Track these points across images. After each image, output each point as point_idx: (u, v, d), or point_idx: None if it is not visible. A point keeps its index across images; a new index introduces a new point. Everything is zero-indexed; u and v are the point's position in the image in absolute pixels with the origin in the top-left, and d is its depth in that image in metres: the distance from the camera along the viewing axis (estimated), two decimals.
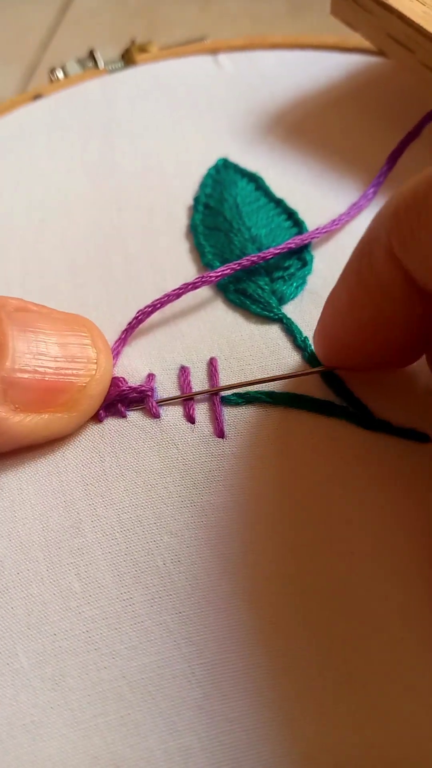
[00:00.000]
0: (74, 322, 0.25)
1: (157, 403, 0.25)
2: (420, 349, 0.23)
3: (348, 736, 0.19)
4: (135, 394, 0.25)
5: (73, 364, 0.23)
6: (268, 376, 0.25)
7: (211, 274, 0.26)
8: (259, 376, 0.26)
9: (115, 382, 0.25)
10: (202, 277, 0.26)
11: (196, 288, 0.27)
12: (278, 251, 0.27)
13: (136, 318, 0.26)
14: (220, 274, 0.26)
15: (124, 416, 0.25)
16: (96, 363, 0.24)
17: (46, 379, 0.23)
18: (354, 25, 0.32)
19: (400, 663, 0.20)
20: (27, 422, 0.23)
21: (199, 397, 0.25)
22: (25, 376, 0.22)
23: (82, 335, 0.24)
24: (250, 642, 0.21)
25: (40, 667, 0.21)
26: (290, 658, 0.21)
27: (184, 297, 0.28)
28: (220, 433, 0.24)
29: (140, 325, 0.27)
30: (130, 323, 0.26)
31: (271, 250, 0.27)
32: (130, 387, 0.25)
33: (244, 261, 0.27)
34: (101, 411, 0.25)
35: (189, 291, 0.26)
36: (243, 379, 0.26)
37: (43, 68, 0.73)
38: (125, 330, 0.26)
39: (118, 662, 0.21)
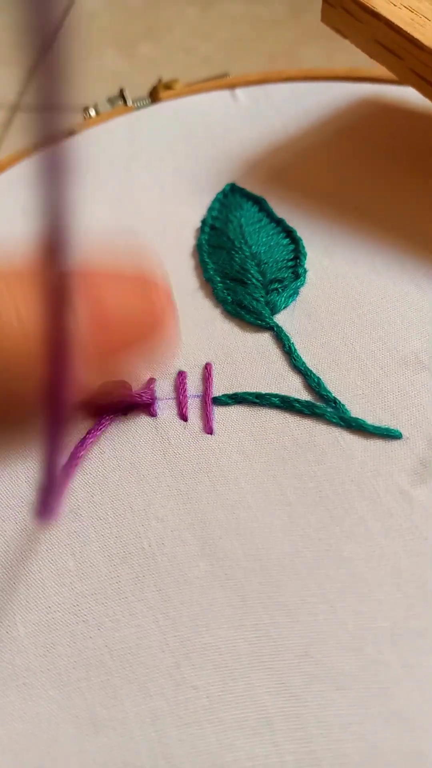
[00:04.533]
0: (136, 277, 0.22)
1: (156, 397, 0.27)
2: None
3: (302, 708, 0.21)
4: (140, 402, 0.27)
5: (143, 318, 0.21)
6: (258, 379, 0.28)
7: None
8: (249, 380, 0.28)
9: (122, 386, 0.28)
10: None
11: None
12: None
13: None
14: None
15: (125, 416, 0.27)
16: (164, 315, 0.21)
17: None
18: (344, 33, 0.33)
19: (377, 646, 0.22)
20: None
21: (192, 397, 0.27)
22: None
23: (147, 295, 0.21)
24: (220, 618, 0.23)
25: (35, 635, 0.23)
26: (257, 633, 0.22)
27: (186, 309, 0.30)
28: (209, 430, 0.27)
29: None
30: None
31: None
32: (136, 395, 0.27)
33: None
34: (111, 416, 0.27)
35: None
36: (235, 382, 0.28)
37: None
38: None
39: (103, 633, 0.23)
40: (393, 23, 0.30)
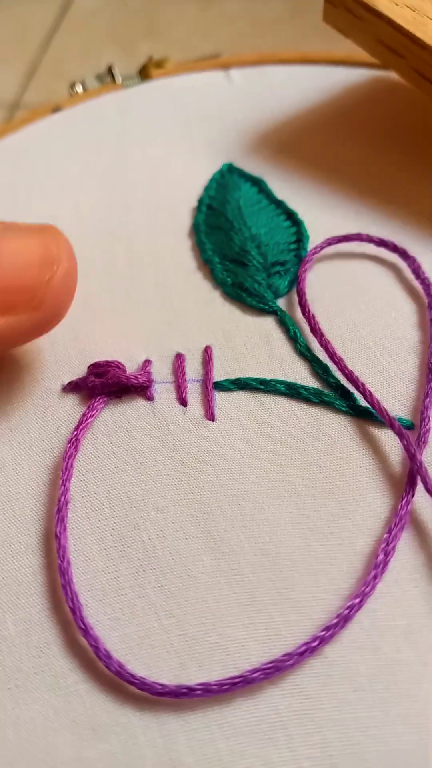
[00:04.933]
0: (35, 227, 0.24)
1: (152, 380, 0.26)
2: None
3: (317, 711, 0.20)
4: (136, 384, 0.26)
5: (33, 265, 0.23)
6: (261, 364, 0.26)
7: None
8: (252, 365, 0.26)
9: (115, 366, 0.26)
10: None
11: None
12: None
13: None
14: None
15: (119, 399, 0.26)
16: (58, 262, 0.23)
17: (11, 280, 0.22)
18: (345, 32, 0.33)
19: (395, 644, 0.21)
20: None
21: (192, 381, 0.26)
22: None
23: (43, 238, 0.23)
24: (228, 616, 0.21)
25: (27, 634, 0.22)
26: (267, 632, 0.21)
27: (183, 290, 0.29)
28: (210, 417, 0.25)
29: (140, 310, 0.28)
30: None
31: None
32: (131, 377, 0.26)
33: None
34: (104, 398, 0.26)
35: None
36: (237, 367, 0.26)
37: (43, 68, 0.74)
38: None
39: (101, 632, 0.21)
40: (395, 22, 0.30)
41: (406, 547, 0.22)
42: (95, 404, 0.25)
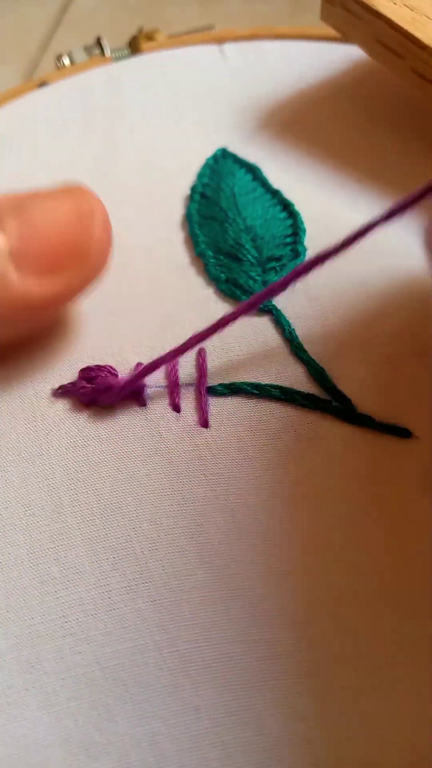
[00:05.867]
0: (62, 188, 0.25)
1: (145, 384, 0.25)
2: None
3: (314, 728, 0.20)
4: (126, 387, 0.25)
5: (71, 221, 0.23)
6: (256, 367, 0.25)
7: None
8: (247, 367, 0.26)
9: (106, 370, 0.25)
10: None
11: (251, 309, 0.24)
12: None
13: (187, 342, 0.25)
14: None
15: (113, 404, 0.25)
16: (93, 212, 0.24)
17: (53, 239, 0.23)
18: (343, 31, 0.32)
19: (375, 662, 0.20)
20: (47, 284, 0.23)
21: (185, 386, 0.25)
22: (33, 243, 0.22)
23: (72, 195, 0.24)
24: (222, 632, 0.21)
25: (17, 649, 0.21)
26: (263, 650, 0.21)
27: (176, 287, 0.28)
28: (204, 423, 0.25)
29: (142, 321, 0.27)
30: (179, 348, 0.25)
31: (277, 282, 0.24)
32: (124, 382, 0.25)
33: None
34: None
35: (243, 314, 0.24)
36: (231, 370, 0.26)
37: (43, 68, 0.73)
38: (174, 352, 0.25)
39: (93, 648, 0.21)
40: (393, 22, 0.29)
41: None
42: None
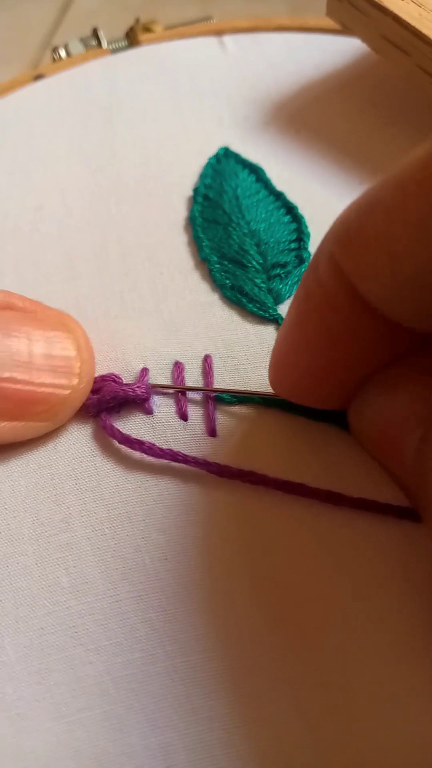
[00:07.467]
0: (60, 325, 0.24)
1: (151, 386, 0.25)
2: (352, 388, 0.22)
3: (326, 738, 0.20)
4: (134, 396, 0.25)
5: (55, 374, 0.23)
6: (262, 376, 0.26)
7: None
8: (253, 376, 0.26)
9: (111, 379, 0.25)
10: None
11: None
12: None
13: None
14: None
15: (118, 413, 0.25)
16: (79, 374, 0.24)
17: (25, 389, 0.22)
18: (349, 27, 0.32)
19: (381, 669, 0.21)
20: (1, 428, 0.23)
21: (191, 394, 0.25)
22: (2, 384, 0.22)
23: (66, 341, 0.24)
24: (233, 642, 0.21)
25: (27, 660, 0.21)
26: (273, 658, 0.21)
27: (180, 292, 0.28)
28: (211, 432, 0.25)
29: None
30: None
31: None
32: (128, 390, 0.25)
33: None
34: (102, 414, 0.25)
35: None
36: (237, 378, 0.26)
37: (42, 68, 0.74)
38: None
39: (103, 658, 0.21)
40: (400, 18, 0.29)
41: None
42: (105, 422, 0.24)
